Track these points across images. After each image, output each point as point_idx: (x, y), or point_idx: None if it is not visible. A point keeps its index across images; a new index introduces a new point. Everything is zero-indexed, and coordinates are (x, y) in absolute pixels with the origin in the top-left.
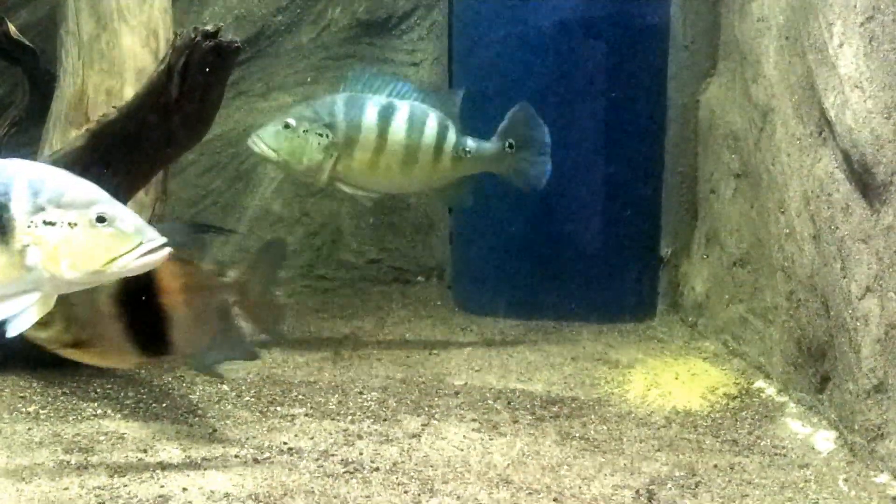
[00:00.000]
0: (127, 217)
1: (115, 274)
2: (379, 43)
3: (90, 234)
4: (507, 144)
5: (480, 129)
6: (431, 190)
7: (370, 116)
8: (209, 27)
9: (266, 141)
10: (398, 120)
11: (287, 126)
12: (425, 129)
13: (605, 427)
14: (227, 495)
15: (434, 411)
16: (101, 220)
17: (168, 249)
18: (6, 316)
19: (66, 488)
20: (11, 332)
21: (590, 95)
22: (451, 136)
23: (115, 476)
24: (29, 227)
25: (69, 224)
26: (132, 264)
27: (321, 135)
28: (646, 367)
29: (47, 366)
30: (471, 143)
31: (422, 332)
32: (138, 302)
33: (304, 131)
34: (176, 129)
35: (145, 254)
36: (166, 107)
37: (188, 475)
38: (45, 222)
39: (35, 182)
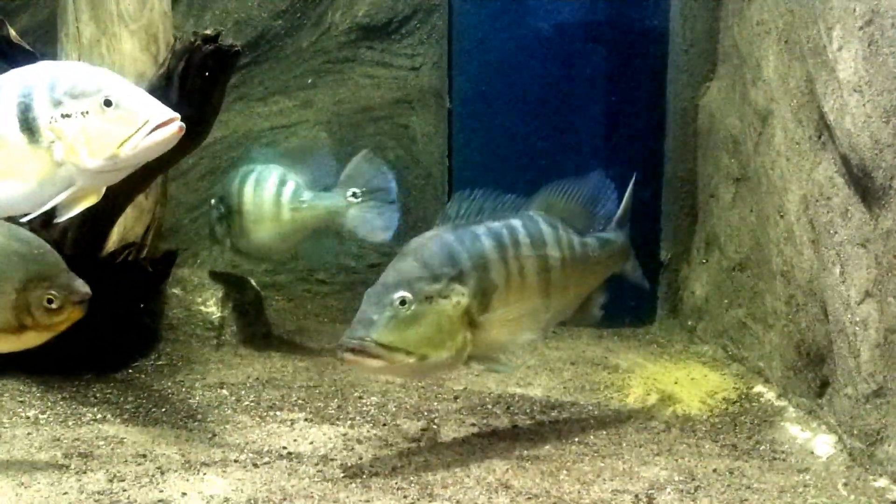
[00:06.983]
0: (134, 97)
1: (134, 157)
2: (379, 47)
3: (101, 120)
4: (350, 194)
5: (479, 133)
6: (293, 249)
7: (236, 183)
8: (209, 31)
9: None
10: (249, 183)
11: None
12: (265, 186)
13: (604, 432)
14: (226, 500)
15: (433, 416)
16: (108, 103)
17: (179, 124)
18: (49, 207)
19: (65, 493)
20: (61, 217)
21: (589, 99)
22: (289, 189)
23: (115, 481)
24: (50, 122)
25: (82, 113)
26: (143, 143)
27: (216, 207)
28: (645, 372)
29: (47, 370)
30: (307, 194)
31: None
32: None
33: (210, 209)
34: None
35: (156, 131)
36: None
37: (187, 480)
38: (62, 115)
39: (53, 79)
